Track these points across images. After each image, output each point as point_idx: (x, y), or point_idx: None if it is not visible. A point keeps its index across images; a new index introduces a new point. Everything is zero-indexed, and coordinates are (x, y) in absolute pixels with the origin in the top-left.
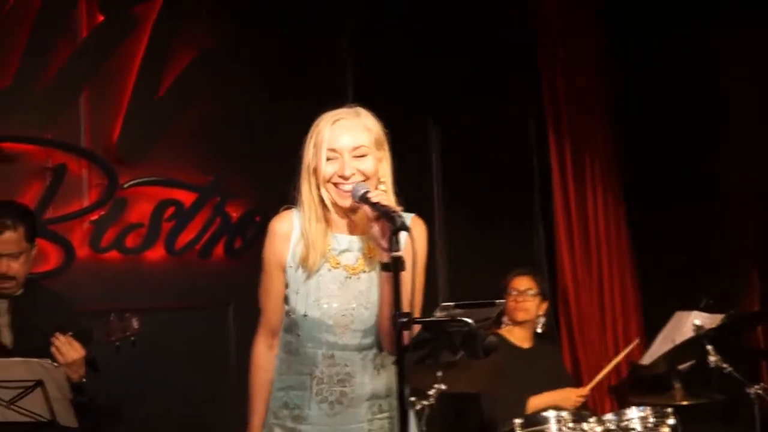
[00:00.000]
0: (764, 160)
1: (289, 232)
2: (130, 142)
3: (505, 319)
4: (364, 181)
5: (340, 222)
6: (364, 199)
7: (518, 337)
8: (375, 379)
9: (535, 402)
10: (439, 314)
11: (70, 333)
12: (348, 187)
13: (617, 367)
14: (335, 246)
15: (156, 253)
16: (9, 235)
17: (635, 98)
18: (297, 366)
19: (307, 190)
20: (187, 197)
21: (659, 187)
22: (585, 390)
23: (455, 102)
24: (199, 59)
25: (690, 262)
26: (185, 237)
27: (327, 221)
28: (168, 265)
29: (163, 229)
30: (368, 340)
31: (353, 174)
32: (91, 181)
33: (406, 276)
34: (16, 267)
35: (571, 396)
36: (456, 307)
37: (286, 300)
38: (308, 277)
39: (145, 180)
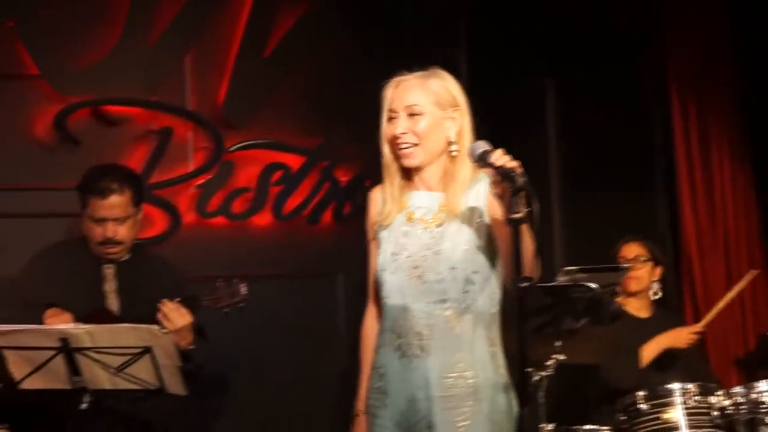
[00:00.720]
0: None
1: (379, 196)
2: (236, 104)
3: (618, 289)
4: (416, 144)
5: (417, 180)
6: (481, 158)
7: (635, 306)
8: (452, 334)
9: (648, 351)
10: (561, 279)
11: (177, 299)
12: (405, 145)
13: (745, 339)
14: (412, 203)
15: (263, 219)
16: (115, 198)
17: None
18: (383, 323)
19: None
20: (294, 161)
21: None
22: (698, 326)
23: (574, 62)
24: (306, 17)
25: None
26: (293, 202)
27: (406, 179)
28: (275, 231)
29: (271, 193)
30: (442, 293)
31: (404, 134)
32: (197, 145)
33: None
34: (122, 231)
35: (682, 334)
36: (579, 271)
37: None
38: (388, 233)
39: (251, 143)
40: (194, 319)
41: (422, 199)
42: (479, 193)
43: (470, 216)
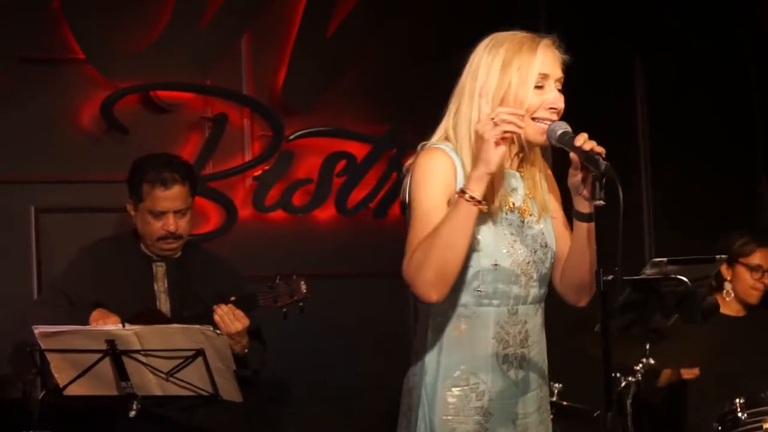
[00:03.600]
0: None
1: (453, 168)
2: (296, 89)
3: (728, 286)
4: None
5: (509, 156)
6: (564, 140)
7: (733, 308)
8: (542, 337)
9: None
10: (649, 272)
11: (232, 299)
12: (554, 119)
13: None
14: (507, 184)
15: (326, 212)
16: (177, 189)
17: None
18: (475, 331)
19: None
20: (359, 149)
21: None
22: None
23: (665, 35)
24: None
25: None
26: (358, 194)
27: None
28: (339, 226)
29: (334, 185)
30: (543, 291)
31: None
32: (254, 133)
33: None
34: (183, 225)
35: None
36: (669, 263)
37: None
38: (487, 221)
39: (313, 131)
40: (250, 321)
41: (512, 181)
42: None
43: (549, 204)
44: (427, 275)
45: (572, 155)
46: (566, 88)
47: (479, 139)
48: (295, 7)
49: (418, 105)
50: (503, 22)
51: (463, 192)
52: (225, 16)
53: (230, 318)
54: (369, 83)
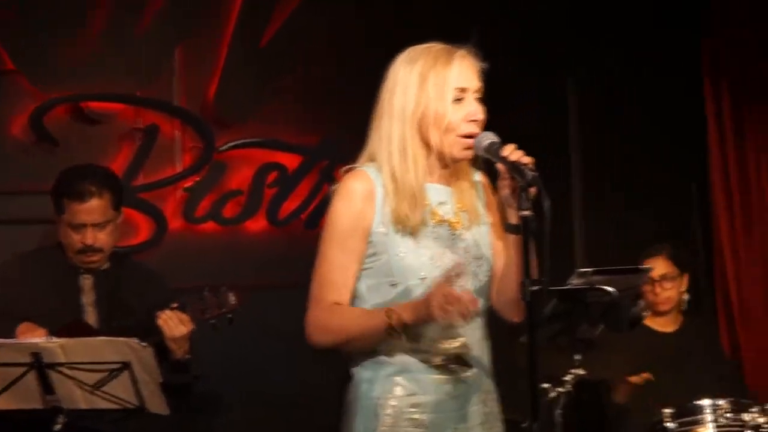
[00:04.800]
0: None
1: (372, 191)
2: (228, 100)
3: (642, 303)
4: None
5: (434, 171)
6: (491, 151)
7: (661, 322)
8: (484, 350)
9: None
10: (575, 282)
11: (174, 305)
12: (474, 133)
13: None
14: (432, 198)
15: (257, 224)
16: (94, 202)
17: None
18: (411, 345)
19: (408, 136)
20: (291, 161)
21: None
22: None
23: (597, 57)
24: (304, 6)
25: None
26: (289, 205)
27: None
28: (270, 237)
29: (265, 196)
30: (481, 304)
31: (480, 119)
32: (185, 144)
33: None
34: (102, 238)
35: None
36: (595, 273)
37: (371, 271)
38: (412, 236)
39: (244, 142)
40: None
41: (439, 194)
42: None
43: (482, 215)
44: (323, 344)
45: (499, 166)
46: (499, 105)
47: (426, 307)
48: (228, 19)
49: (351, 116)
50: (436, 37)
51: (390, 319)
52: (158, 28)
53: (174, 322)
54: (302, 94)
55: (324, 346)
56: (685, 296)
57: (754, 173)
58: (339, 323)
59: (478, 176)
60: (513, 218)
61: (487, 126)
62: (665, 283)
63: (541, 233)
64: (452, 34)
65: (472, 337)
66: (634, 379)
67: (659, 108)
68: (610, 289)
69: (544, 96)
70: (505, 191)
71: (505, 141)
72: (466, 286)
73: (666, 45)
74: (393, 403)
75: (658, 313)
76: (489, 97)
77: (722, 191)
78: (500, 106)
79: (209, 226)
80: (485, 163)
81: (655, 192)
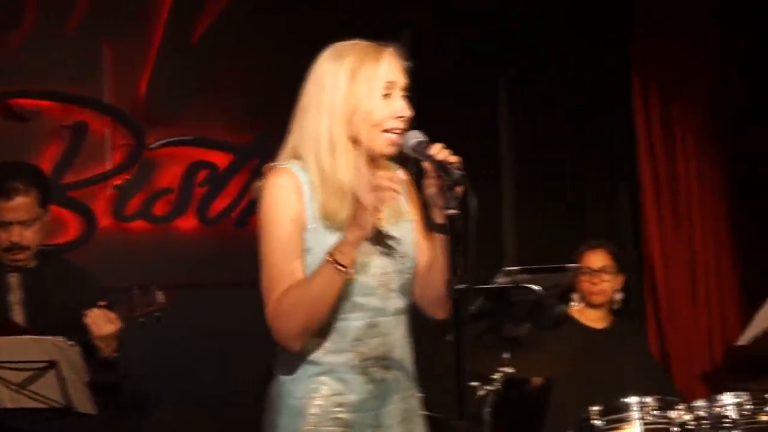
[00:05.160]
0: None
1: (299, 188)
2: (158, 97)
3: (575, 296)
4: (405, 131)
5: (359, 167)
6: (418, 149)
7: (591, 317)
8: (406, 348)
9: None
10: (501, 281)
11: (102, 303)
12: (401, 129)
13: (711, 353)
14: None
15: (187, 222)
16: (20, 200)
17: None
18: (334, 344)
19: (336, 132)
20: (221, 159)
21: (763, 146)
22: None
23: (528, 52)
24: (235, 3)
25: None
26: (220, 204)
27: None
28: (201, 236)
29: (195, 194)
30: (405, 302)
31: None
32: (115, 142)
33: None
34: (28, 236)
35: None
36: (521, 272)
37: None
38: (340, 231)
39: (174, 140)
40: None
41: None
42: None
43: (405, 212)
44: (291, 331)
45: (426, 164)
46: (431, 103)
47: (356, 204)
48: (159, 16)
49: (282, 114)
50: (369, 36)
51: (333, 257)
52: (87, 24)
53: (102, 320)
54: (233, 92)
55: (295, 334)
56: (618, 295)
57: (684, 173)
58: (295, 298)
59: (400, 173)
60: (439, 217)
61: (420, 124)
62: (603, 275)
63: (467, 232)
64: (384, 33)
65: (395, 335)
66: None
67: (589, 108)
68: (535, 287)
69: (476, 95)
70: (432, 190)
71: (435, 139)
72: (390, 284)
73: (596, 45)
74: (318, 402)
75: (591, 306)
76: (420, 95)
77: (651, 191)
78: (432, 104)
79: (139, 224)
80: (407, 160)
81: (586, 191)
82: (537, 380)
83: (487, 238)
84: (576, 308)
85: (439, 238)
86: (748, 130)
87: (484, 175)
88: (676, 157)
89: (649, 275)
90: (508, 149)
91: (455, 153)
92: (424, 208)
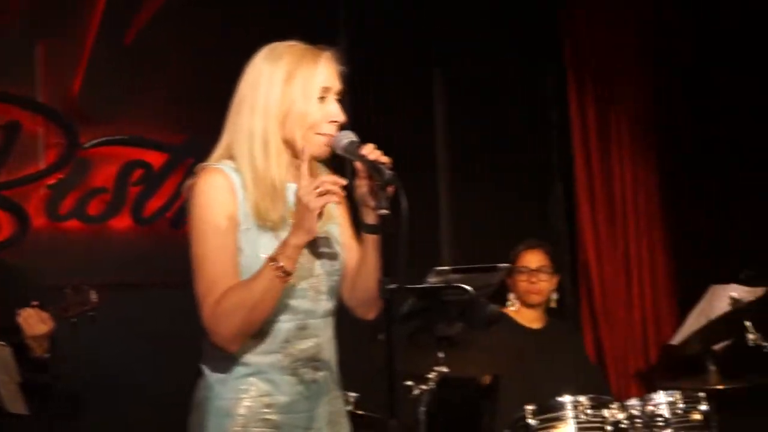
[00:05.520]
0: None
1: (232, 187)
2: (92, 96)
3: (511, 296)
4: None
5: (291, 169)
6: (350, 150)
7: (528, 317)
8: (333, 350)
9: None
10: (432, 280)
11: (34, 303)
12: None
13: (646, 352)
14: (290, 196)
15: (122, 222)
16: None
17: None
18: (263, 346)
19: (271, 132)
20: (156, 158)
21: (695, 147)
22: None
23: (463, 49)
24: (170, 2)
25: (731, 230)
26: (155, 203)
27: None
28: (136, 235)
29: (130, 194)
30: (333, 304)
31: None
32: (48, 141)
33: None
34: None
35: None
36: (452, 272)
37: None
38: (272, 232)
39: (108, 139)
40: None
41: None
42: None
43: (333, 214)
44: (230, 333)
45: (357, 164)
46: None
47: (302, 207)
48: (93, 15)
49: (218, 114)
50: (304, 35)
51: (274, 261)
52: (21, 23)
53: (35, 320)
54: (168, 91)
55: (233, 336)
56: (554, 295)
57: (618, 173)
58: (235, 301)
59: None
60: (370, 218)
61: (355, 123)
62: (541, 275)
63: (399, 232)
64: (318, 32)
65: (323, 337)
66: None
67: (525, 107)
68: (467, 287)
69: (410, 93)
70: (363, 190)
71: (368, 139)
72: (320, 286)
73: (531, 43)
74: (247, 403)
75: (528, 305)
76: (357, 93)
77: (586, 191)
78: (366, 103)
79: (73, 224)
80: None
81: (521, 191)
82: (487, 379)
83: (422, 238)
84: (512, 308)
85: (371, 238)
86: (683, 130)
87: (419, 174)
88: (611, 156)
89: (584, 275)
90: (443, 148)
91: (388, 153)
92: (354, 208)
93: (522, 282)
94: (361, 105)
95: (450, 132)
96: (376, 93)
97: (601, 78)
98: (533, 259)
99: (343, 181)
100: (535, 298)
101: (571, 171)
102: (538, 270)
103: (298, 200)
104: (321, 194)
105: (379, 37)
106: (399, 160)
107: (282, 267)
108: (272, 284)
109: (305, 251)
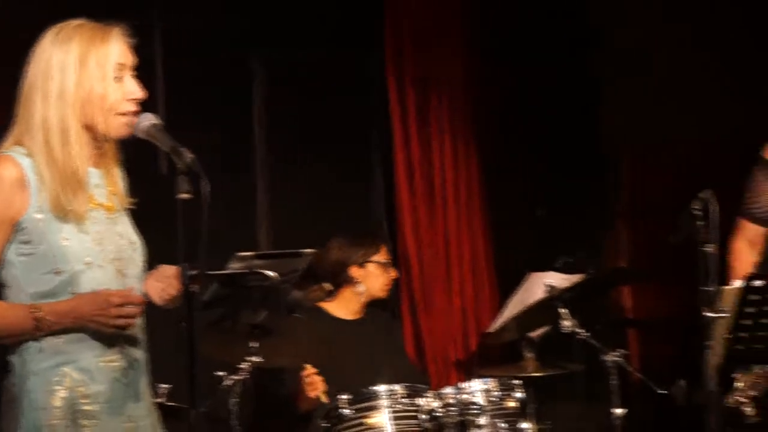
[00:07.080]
0: (636, 111)
1: (22, 177)
2: None
3: (361, 289)
4: (137, 113)
5: (90, 153)
6: (152, 132)
7: (344, 310)
8: (143, 337)
9: None
10: (234, 266)
11: None
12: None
13: (465, 342)
14: (90, 181)
15: None
16: None
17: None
18: (75, 333)
19: (69, 119)
20: None
21: (518, 132)
22: None
23: (281, 35)
24: None
25: (553, 218)
26: None
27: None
28: None
29: None
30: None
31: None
32: None
33: None
34: None
35: None
36: (255, 257)
37: (31, 259)
38: (74, 220)
39: None
40: None
41: (93, 177)
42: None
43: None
44: None
45: (159, 147)
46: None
47: (92, 324)
48: None
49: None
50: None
51: (40, 317)
52: None
53: None
54: None
55: None
56: None
57: (438, 162)
58: None
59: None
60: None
61: (172, 114)
62: (391, 270)
63: (200, 216)
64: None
65: (135, 323)
66: (306, 373)
67: (347, 90)
68: (270, 273)
69: (228, 80)
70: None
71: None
72: (125, 271)
73: (350, 31)
74: (63, 394)
75: (374, 300)
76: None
77: (405, 180)
78: (183, 92)
79: None
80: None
81: (341, 180)
82: (311, 369)
83: (240, 225)
84: (327, 301)
85: None
86: (501, 120)
87: (238, 162)
88: (432, 145)
89: (404, 262)
90: (261, 137)
91: (204, 134)
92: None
93: (380, 276)
94: (179, 98)
95: (268, 119)
96: (193, 84)
97: (420, 60)
98: (386, 252)
99: (138, 303)
100: (386, 293)
101: (391, 160)
102: (389, 263)
103: (91, 318)
104: (118, 324)
105: (194, 21)
106: (215, 144)
107: (40, 319)
108: (21, 329)
109: (108, 235)
